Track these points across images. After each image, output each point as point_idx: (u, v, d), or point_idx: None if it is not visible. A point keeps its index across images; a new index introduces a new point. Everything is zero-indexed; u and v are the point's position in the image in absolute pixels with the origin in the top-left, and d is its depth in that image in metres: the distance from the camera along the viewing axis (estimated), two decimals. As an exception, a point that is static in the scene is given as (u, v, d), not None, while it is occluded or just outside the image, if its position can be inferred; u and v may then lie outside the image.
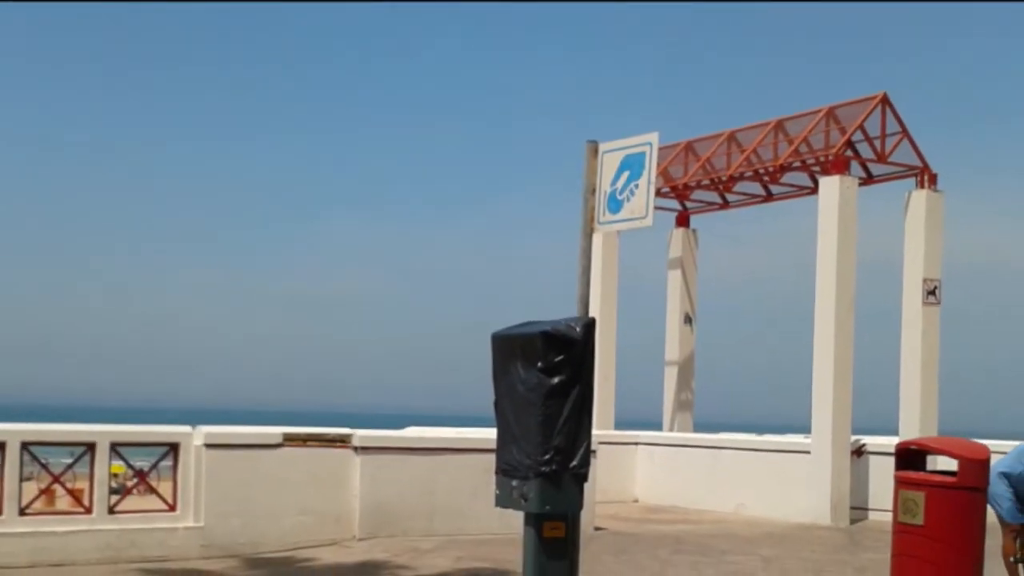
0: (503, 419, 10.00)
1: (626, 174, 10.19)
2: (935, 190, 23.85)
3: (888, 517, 12.53)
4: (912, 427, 23.13)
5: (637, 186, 10.20)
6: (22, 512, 14.82)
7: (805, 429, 23.23)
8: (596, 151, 10.53)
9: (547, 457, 9.53)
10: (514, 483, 9.84)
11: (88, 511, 15.22)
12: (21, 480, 14.95)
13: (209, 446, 15.78)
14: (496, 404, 10.13)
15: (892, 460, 12.50)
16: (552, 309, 10.06)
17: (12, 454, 14.77)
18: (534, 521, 9.73)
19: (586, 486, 9.94)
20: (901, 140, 23.70)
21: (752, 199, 27.49)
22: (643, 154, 10.26)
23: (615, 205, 10.30)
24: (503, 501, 10.00)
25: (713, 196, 27.98)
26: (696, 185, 27.14)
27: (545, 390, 9.51)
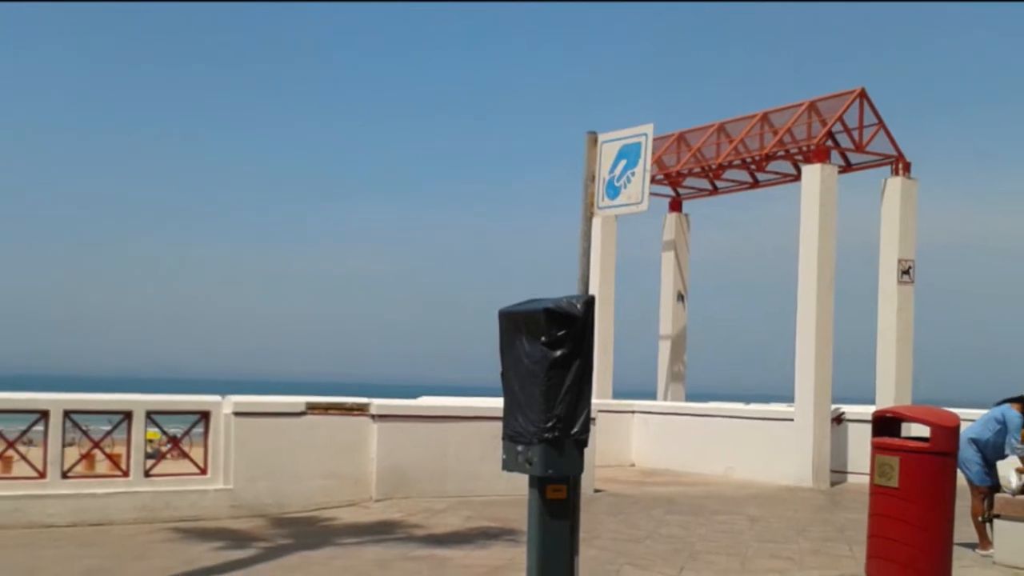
0: (509, 389, 10.01)
1: (623, 162, 10.20)
2: (909, 177, 23.88)
3: (865, 480, 12.57)
4: (888, 396, 23.19)
5: (633, 174, 10.20)
6: (64, 475, 14.86)
7: (788, 398, 23.25)
8: (595, 141, 10.53)
9: (550, 424, 9.54)
10: (520, 448, 9.85)
11: (126, 474, 15.25)
12: (63, 446, 14.97)
13: (237, 414, 15.81)
14: (503, 375, 10.14)
15: (869, 427, 12.54)
16: (554, 287, 10.06)
17: (55, 421, 14.80)
18: (538, 483, 9.74)
19: (586, 451, 9.96)
20: (877, 131, 23.72)
21: (740, 186, 27.48)
22: (639, 144, 10.26)
23: (613, 191, 10.31)
24: (509, 465, 10.02)
25: (704, 183, 27.97)
26: (688, 173, 27.16)
27: (548, 362, 9.52)
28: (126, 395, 16.08)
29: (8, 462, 16.34)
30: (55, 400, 15.14)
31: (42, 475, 14.74)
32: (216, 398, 16.10)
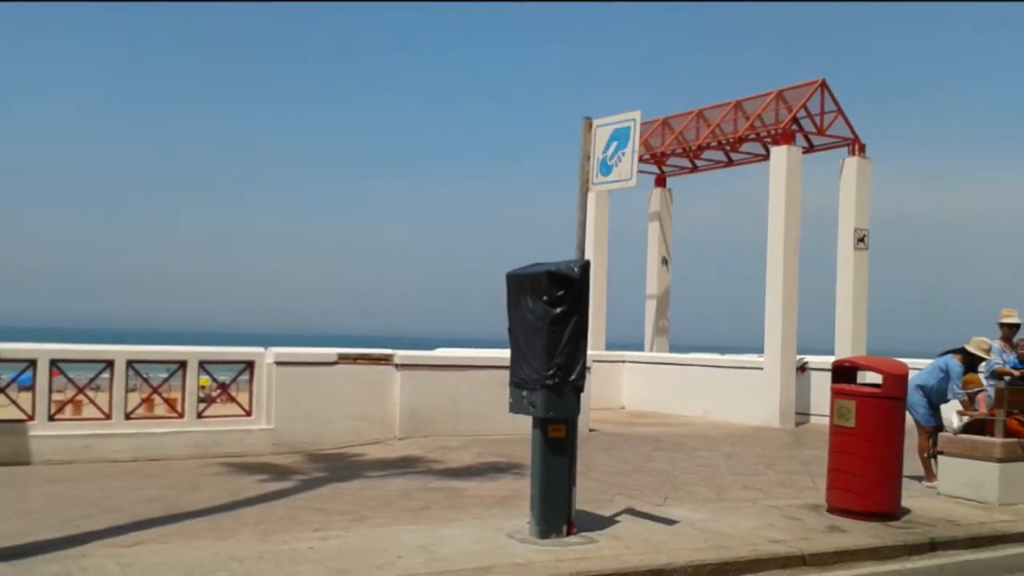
0: (515, 342, 10.02)
1: (614, 144, 10.18)
2: (864, 157, 23.84)
3: (825, 421, 12.57)
4: (845, 348, 23.19)
5: (623, 154, 10.17)
6: (127, 417, 14.90)
7: (758, 349, 23.24)
8: (590, 126, 10.50)
9: (551, 372, 9.56)
10: (524, 393, 9.87)
11: (181, 416, 15.27)
12: (127, 391, 15.00)
13: (278, 363, 15.80)
14: (510, 330, 10.15)
15: (829, 375, 12.52)
16: (554, 254, 10.03)
17: (119, 370, 14.82)
18: (540, 424, 9.77)
19: (582, 396, 9.97)
20: (836, 117, 23.70)
21: (716, 164, 27.38)
22: (628, 128, 10.22)
23: (606, 169, 10.28)
24: (515, 408, 10.04)
25: (685, 162, 27.85)
26: (671, 153, 27.07)
27: (549, 318, 9.53)
28: (181, 347, 16.09)
29: (79, 405, 16.34)
30: (120, 352, 15.20)
31: (108, 417, 14.78)
32: (259, 349, 16.11)
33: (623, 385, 25.87)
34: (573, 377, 9.63)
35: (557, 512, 9.75)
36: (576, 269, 9.63)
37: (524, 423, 10.63)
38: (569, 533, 9.77)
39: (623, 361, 26.16)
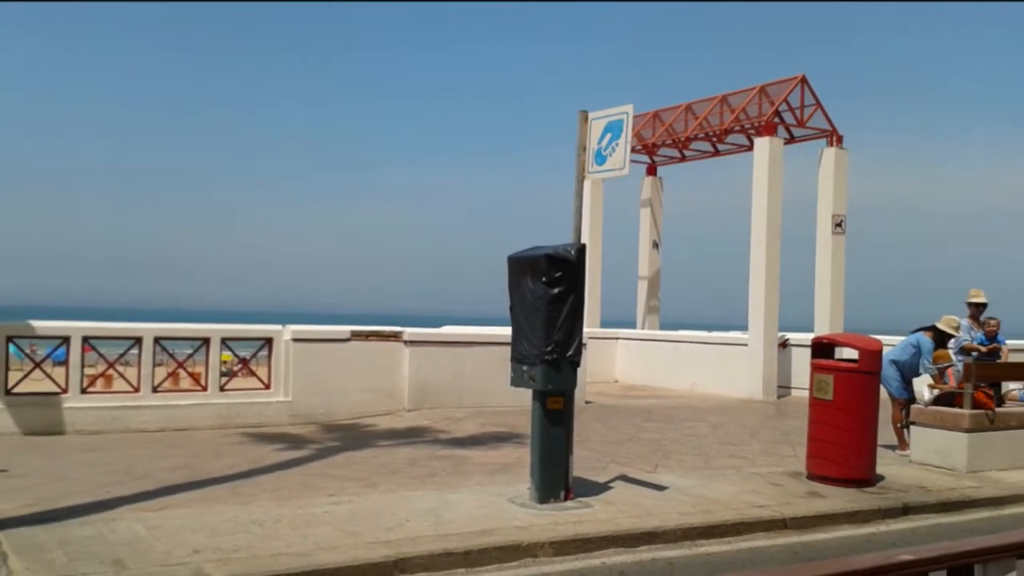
0: (516, 320, 10.01)
1: (608, 135, 10.14)
2: (841, 148, 23.78)
3: (805, 394, 12.53)
4: (824, 325, 23.18)
5: (617, 145, 10.13)
6: (154, 389, 14.93)
7: (743, 327, 23.23)
8: (586, 118, 10.45)
9: (549, 348, 9.55)
10: (524, 368, 9.86)
11: (204, 389, 15.28)
12: (154, 366, 15.01)
13: (295, 340, 15.79)
14: (511, 308, 10.13)
15: (809, 351, 12.48)
16: (553, 238, 10.02)
17: (147, 346, 14.85)
18: (540, 396, 9.76)
19: (579, 371, 9.95)
20: (816, 110, 23.64)
21: (704, 154, 27.28)
22: (621, 120, 10.18)
23: (600, 159, 10.24)
24: (516, 382, 10.03)
25: (674, 152, 27.75)
26: (661, 144, 26.98)
27: (548, 298, 9.53)
28: (205, 324, 16.07)
29: (109, 379, 16.37)
30: (146, 329, 15.19)
31: (136, 389, 14.80)
32: (277, 327, 16.09)
33: (616, 360, 25.84)
34: (570, 353, 9.63)
35: (555, 479, 9.75)
36: (573, 252, 9.61)
37: (524, 396, 10.61)
38: (567, 498, 9.77)
39: (617, 338, 26.13)
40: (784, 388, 22.54)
